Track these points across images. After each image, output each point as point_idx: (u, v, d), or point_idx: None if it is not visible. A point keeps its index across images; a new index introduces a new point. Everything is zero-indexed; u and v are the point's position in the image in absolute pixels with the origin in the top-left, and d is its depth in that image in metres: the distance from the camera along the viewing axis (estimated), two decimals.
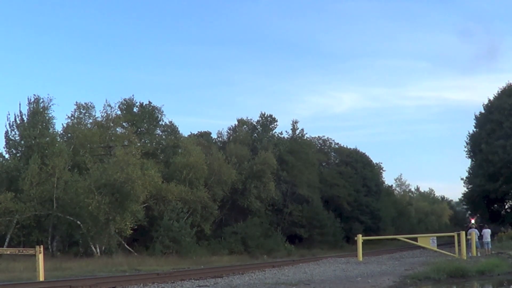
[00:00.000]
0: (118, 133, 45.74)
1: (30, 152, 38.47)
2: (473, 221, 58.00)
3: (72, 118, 45.11)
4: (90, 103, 45.70)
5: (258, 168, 50.56)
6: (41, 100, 40.26)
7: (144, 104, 50.50)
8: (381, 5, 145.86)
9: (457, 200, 77.73)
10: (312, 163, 59.49)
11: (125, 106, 49.43)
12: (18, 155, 40.22)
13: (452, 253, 30.74)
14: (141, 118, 49.74)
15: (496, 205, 61.36)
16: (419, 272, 20.01)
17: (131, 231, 36.50)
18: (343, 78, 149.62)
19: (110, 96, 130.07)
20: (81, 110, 45.36)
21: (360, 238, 32.57)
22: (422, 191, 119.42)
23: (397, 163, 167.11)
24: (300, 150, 57.93)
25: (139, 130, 48.76)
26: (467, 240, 31.77)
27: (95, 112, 45.98)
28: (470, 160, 62.58)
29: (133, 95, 50.90)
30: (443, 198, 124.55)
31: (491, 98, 58.80)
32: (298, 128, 61.09)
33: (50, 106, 40.58)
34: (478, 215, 63.37)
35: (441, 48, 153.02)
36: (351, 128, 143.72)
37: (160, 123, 51.29)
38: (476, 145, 58.09)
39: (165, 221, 39.43)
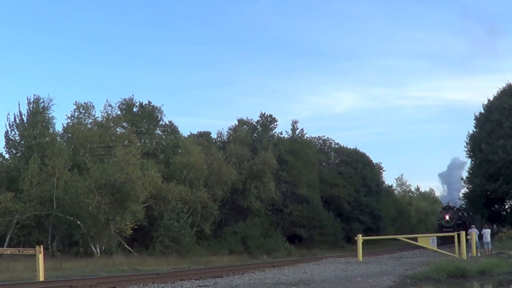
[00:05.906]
0: (118, 133, 45.72)
1: (30, 152, 38.49)
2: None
3: (72, 118, 45.17)
4: (90, 103, 45.85)
5: (258, 168, 50.55)
6: (41, 100, 40.41)
7: (144, 104, 50.53)
8: (381, 5, 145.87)
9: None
10: (312, 163, 59.48)
11: (125, 106, 49.43)
12: (18, 155, 40.24)
13: (452, 253, 30.72)
14: (141, 118, 49.75)
15: (496, 205, 61.31)
16: (419, 272, 20.02)
17: (131, 231, 36.51)
18: (343, 78, 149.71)
19: (110, 96, 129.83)
20: (81, 110, 45.40)
21: (360, 238, 32.55)
22: (422, 191, 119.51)
23: (397, 163, 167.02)
24: (300, 150, 57.91)
25: (139, 130, 48.74)
26: (467, 240, 31.78)
27: (95, 112, 46.12)
28: (470, 160, 62.64)
29: (133, 95, 50.97)
30: None
31: (491, 98, 58.77)
32: (298, 128, 61.12)
33: (50, 106, 40.76)
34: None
35: (441, 47, 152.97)
36: (351, 128, 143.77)
37: (160, 123, 51.37)
38: (476, 145, 58.02)
39: (165, 221, 39.43)
